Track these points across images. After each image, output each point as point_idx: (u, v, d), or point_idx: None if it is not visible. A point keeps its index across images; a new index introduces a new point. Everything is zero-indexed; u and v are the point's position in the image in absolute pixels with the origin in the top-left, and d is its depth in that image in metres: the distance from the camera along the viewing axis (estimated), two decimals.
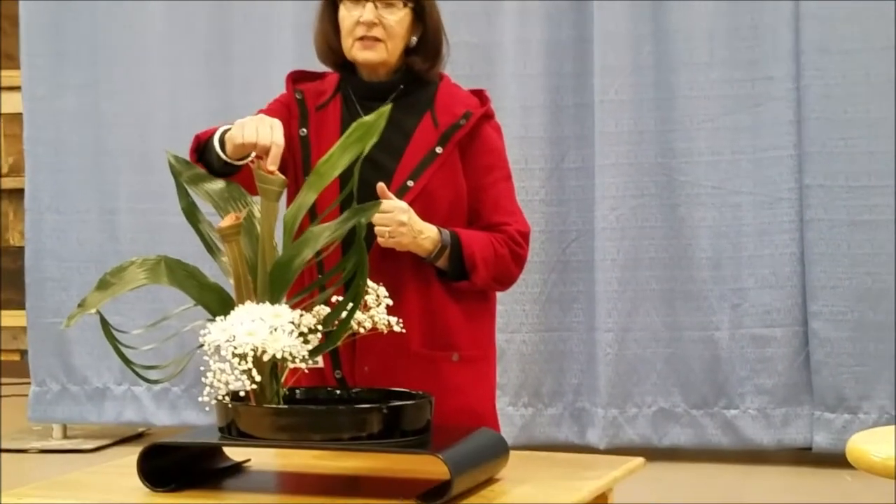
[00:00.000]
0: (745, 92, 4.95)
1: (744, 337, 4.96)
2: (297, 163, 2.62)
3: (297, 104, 2.67)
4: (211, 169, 2.42)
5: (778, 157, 4.92)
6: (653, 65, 5.02)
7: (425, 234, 2.52)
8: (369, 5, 2.59)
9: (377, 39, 2.59)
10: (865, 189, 4.83)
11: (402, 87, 2.64)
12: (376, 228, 2.46)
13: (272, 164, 2.23)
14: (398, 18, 2.61)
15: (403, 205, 2.49)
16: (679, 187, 5.01)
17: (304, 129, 2.64)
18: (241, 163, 2.40)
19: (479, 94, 2.71)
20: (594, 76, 5.03)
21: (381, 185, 2.47)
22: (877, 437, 2.35)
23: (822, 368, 4.87)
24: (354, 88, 2.66)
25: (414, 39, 2.64)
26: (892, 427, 2.36)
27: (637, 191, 5.03)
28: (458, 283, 2.59)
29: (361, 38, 2.59)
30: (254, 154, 2.32)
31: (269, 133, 2.30)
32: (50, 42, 5.52)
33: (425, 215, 2.53)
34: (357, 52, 2.61)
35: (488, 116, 2.68)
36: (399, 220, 2.47)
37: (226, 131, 2.42)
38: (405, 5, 2.62)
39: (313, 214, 2.38)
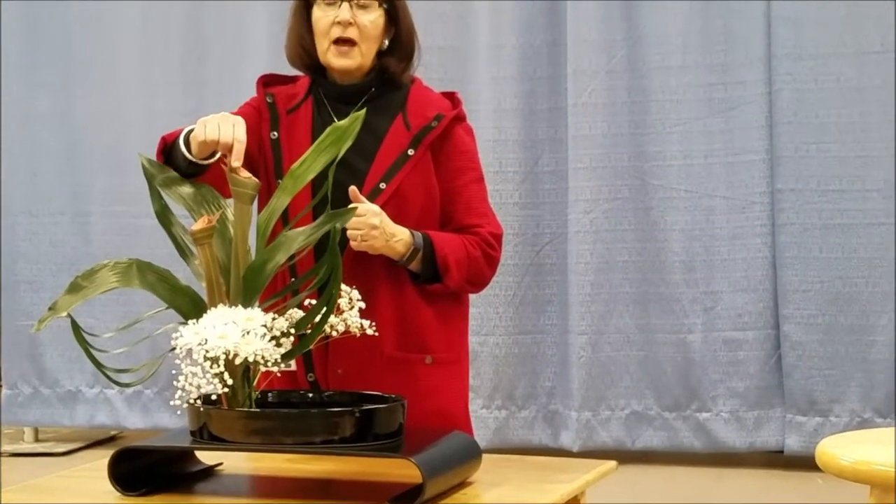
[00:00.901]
0: (717, 96, 4.98)
1: (716, 340, 4.98)
2: (269, 166, 2.61)
3: (267, 108, 2.66)
4: (178, 169, 2.41)
5: (750, 161, 4.95)
6: (626, 69, 5.03)
7: (398, 237, 2.52)
8: (345, 5, 2.59)
9: (352, 43, 2.59)
10: (837, 193, 4.85)
11: (373, 89, 2.64)
12: (349, 232, 2.46)
13: (236, 160, 2.22)
14: (373, 19, 2.61)
15: (375, 208, 2.48)
16: (652, 191, 5.02)
17: (275, 133, 2.64)
18: (206, 162, 2.39)
19: (451, 97, 2.71)
20: (567, 80, 5.05)
21: (353, 189, 2.47)
22: (846, 442, 2.36)
23: (793, 371, 4.89)
24: (326, 91, 2.66)
25: (386, 42, 2.65)
26: (862, 431, 2.38)
27: (610, 194, 5.04)
28: (430, 286, 2.59)
29: (337, 43, 2.59)
30: (219, 154, 2.32)
31: (231, 130, 2.29)
32: (24, 42, 5.50)
33: (398, 218, 2.53)
34: (332, 59, 2.61)
35: (460, 118, 2.68)
36: (371, 224, 2.46)
37: (191, 131, 2.41)
38: (380, 6, 2.62)
39: (285, 218, 2.37)
